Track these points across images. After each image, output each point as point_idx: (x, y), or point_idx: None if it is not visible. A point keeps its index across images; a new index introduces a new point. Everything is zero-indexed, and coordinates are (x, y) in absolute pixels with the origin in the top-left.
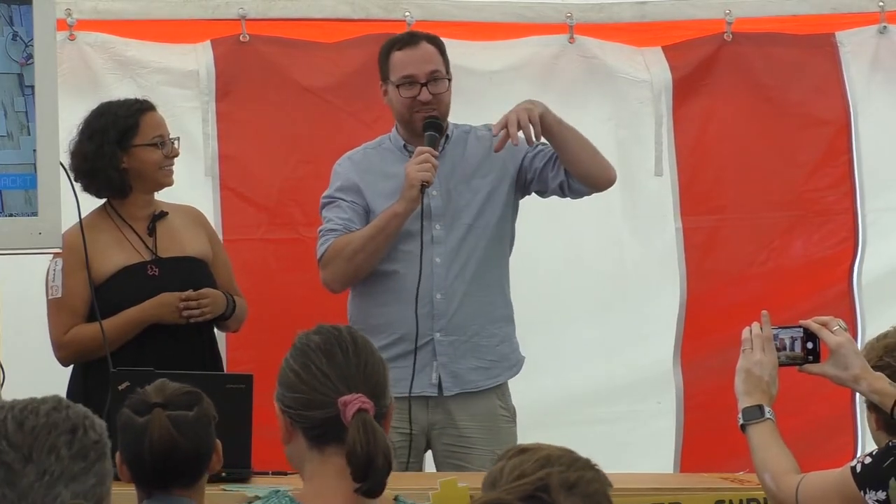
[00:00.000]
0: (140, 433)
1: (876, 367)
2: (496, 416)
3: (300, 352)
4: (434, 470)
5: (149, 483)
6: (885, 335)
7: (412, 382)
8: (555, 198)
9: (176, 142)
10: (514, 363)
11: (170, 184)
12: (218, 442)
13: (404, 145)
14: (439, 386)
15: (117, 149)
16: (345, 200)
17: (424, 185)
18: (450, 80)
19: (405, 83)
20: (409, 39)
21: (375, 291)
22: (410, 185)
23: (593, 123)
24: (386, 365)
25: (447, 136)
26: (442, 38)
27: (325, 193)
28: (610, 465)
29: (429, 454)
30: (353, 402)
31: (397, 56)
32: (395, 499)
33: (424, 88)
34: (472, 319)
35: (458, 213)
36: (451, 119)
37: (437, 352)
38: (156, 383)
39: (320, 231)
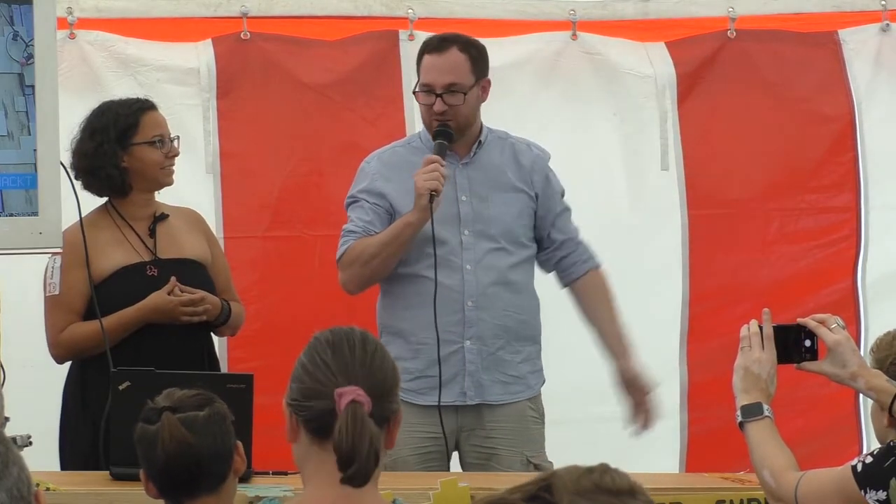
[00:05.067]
0: (153, 440)
1: (893, 365)
2: (525, 418)
3: (310, 347)
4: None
5: (173, 492)
6: None
7: (440, 391)
8: None
9: (176, 141)
10: (533, 384)
11: (170, 183)
12: (238, 442)
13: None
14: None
15: (117, 147)
16: (367, 202)
17: (433, 195)
18: (483, 88)
19: (423, 90)
20: (439, 44)
21: (403, 294)
22: (419, 195)
23: (598, 119)
24: (397, 372)
25: (479, 141)
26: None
27: (350, 191)
28: (614, 464)
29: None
30: (348, 394)
31: (425, 60)
32: (394, 501)
33: (439, 99)
34: (501, 333)
35: (487, 222)
36: None
37: (466, 360)
38: (165, 391)
39: (342, 231)
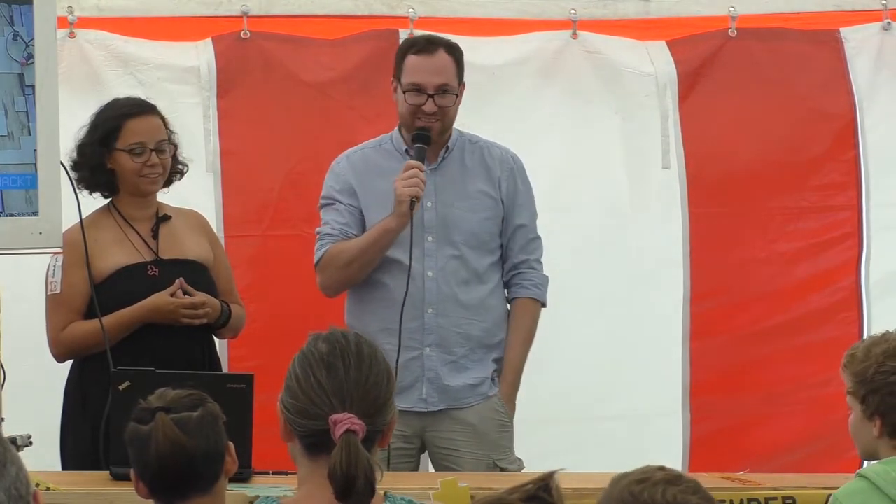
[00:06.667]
0: (146, 440)
1: (878, 374)
2: (490, 420)
3: (305, 358)
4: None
5: (165, 493)
6: (883, 339)
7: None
8: (561, 191)
9: (168, 150)
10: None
11: (152, 191)
12: (230, 443)
13: (406, 150)
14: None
15: (103, 149)
16: (342, 203)
17: (413, 200)
18: (459, 93)
19: (413, 90)
20: (426, 45)
21: (368, 298)
22: (399, 202)
23: (599, 117)
24: (392, 377)
25: (447, 147)
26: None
27: (323, 193)
28: (616, 464)
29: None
30: (343, 423)
31: (411, 60)
32: (385, 494)
33: (431, 100)
34: (464, 342)
35: (452, 227)
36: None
37: (425, 367)
38: (157, 391)
39: (318, 233)
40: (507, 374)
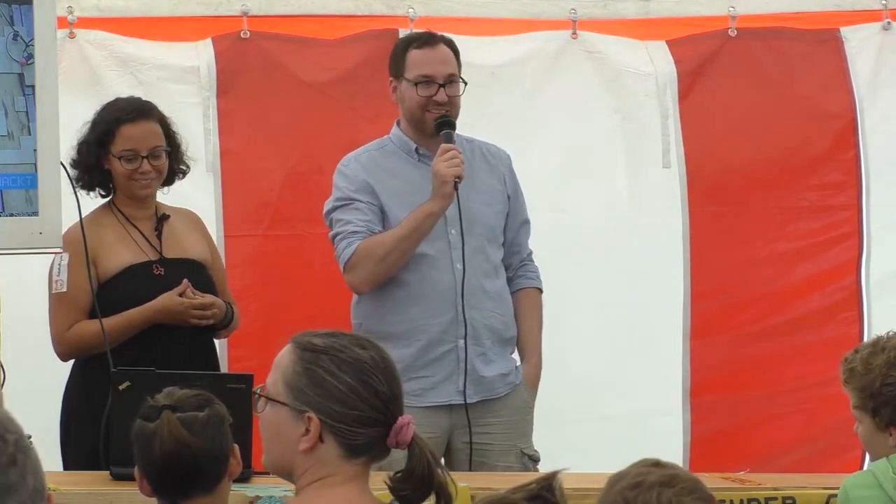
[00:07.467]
0: (151, 437)
1: (885, 386)
2: (521, 409)
3: (352, 367)
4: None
5: (168, 491)
6: (880, 348)
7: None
8: (561, 191)
9: (164, 154)
10: (519, 371)
11: (146, 196)
12: (235, 445)
13: (416, 148)
14: (464, 393)
15: (99, 149)
16: (362, 202)
17: (457, 181)
18: (465, 83)
19: (423, 82)
20: (429, 39)
21: (394, 297)
22: (443, 182)
23: (599, 117)
24: None
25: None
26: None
27: (336, 195)
28: (617, 464)
29: None
30: (410, 425)
31: (416, 54)
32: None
33: (442, 89)
34: (490, 334)
35: (471, 220)
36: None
37: (461, 359)
38: (165, 390)
39: (338, 234)
40: (531, 357)
